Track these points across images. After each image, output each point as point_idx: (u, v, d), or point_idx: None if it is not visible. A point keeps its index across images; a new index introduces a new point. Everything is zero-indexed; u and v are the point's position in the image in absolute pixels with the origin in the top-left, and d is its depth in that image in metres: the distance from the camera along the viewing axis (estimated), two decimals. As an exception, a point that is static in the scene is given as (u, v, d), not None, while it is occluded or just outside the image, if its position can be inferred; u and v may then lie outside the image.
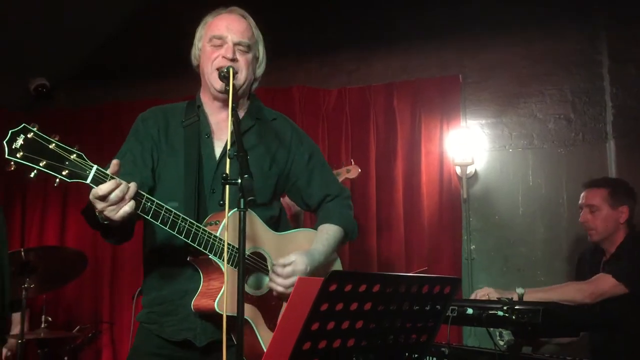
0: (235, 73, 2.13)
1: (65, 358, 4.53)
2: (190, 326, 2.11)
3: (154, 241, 2.22)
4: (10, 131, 1.66)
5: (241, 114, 2.31)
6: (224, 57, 2.19)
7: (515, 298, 2.51)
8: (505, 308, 2.29)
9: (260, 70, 2.36)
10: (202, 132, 2.27)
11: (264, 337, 2.11)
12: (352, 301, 1.50)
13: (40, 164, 1.69)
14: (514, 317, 2.27)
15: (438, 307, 1.73)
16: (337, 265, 2.47)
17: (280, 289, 2.14)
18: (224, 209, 2.04)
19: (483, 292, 2.86)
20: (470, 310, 2.40)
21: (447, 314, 2.36)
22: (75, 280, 4.64)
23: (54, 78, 5.74)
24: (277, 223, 2.35)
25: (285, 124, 2.43)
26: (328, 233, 2.36)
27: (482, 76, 4.93)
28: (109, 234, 2.08)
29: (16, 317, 4.17)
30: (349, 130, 5.06)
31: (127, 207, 1.83)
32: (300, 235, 2.35)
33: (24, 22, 4.71)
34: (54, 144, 1.72)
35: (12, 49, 4.93)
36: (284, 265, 2.14)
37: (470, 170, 4.82)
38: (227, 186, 1.82)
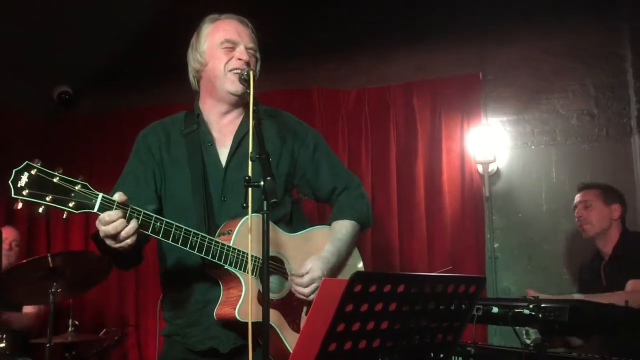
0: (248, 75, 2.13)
1: (92, 361, 4.59)
2: (214, 335, 2.14)
3: (171, 256, 2.24)
4: (14, 170, 1.70)
5: (241, 117, 2.31)
6: (239, 59, 2.21)
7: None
8: (531, 306, 2.27)
9: (255, 77, 2.36)
10: (203, 141, 2.26)
11: (289, 340, 2.13)
12: (377, 302, 1.50)
13: (47, 199, 1.72)
14: (540, 315, 2.24)
15: (463, 306, 1.73)
16: (355, 256, 2.47)
17: (303, 298, 2.17)
18: (236, 218, 2.09)
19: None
20: (495, 309, 2.39)
21: (473, 313, 2.34)
22: (101, 284, 4.69)
23: (77, 85, 5.82)
24: (290, 220, 2.35)
25: (285, 119, 2.43)
26: (340, 231, 2.36)
27: (502, 73, 4.88)
28: (117, 261, 2.12)
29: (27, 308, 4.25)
30: (369, 131, 5.04)
31: (126, 243, 1.85)
32: (314, 234, 2.36)
33: (47, 29, 4.78)
34: (57, 178, 1.75)
35: (36, 57, 5.01)
36: (302, 275, 2.16)
37: (492, 168, 4.78)
38: (250, 189, 1.83)
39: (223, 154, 2.25)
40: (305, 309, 2.23)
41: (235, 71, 2.20)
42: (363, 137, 5.04)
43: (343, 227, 2.37)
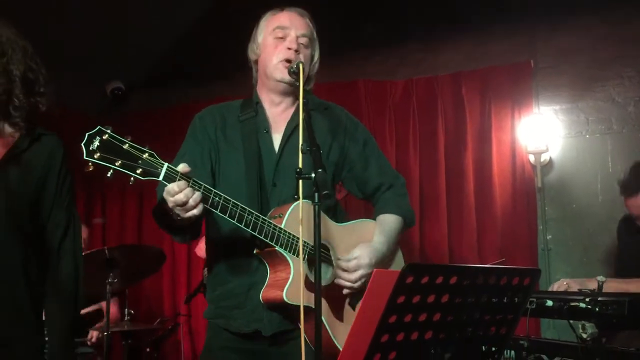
0: (298, 67, 2.15)
1: (148, 349, 4.71)
2: (258, 317, 2.16)
3: (218, 237, 2.27)
4: (86, 134, 1.75)
5: (293, 108, 2.34)
6: (288, 48, 2.23)
7: (593, 286, 2.42)
8: (587, 300, 2.22)
9: (314, 70, 2.38)
10: (259, 127, 2.30)
11: (332, 326, 2.14)
12: (429, 293, 1.49)
13: (116, 164, 1.77)
14: (597, 309, 2.18)
15: (517, 299, 1.70)
16: (399, 256, 2.47)
17: (347, 284, 2.17)
18: (286, 203, 2.12)
19: (559, 284, 2.77)
20: (550, 302, 2.34)
21: (526, 306, 2.30)
22: (155, 275, 4.83)
23: (129, 81, 5.97)
24: (335, 212, 2.36)
25: (338, 113, 2.44)
26: (388, 224, 2.36)
27: (555, 61, 4.75)
28: (177, 232, 2.17)
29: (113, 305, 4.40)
30: (416, 122, 5.00)
31: (195, 211, 1.90)
32: (360, 227, 2.37)
33: (100, 27, 4.91)
34: (127, 144, 1.80)
35: (89, 54, 5.15)
36: (349, 260, 2.16)
37: (544, 158, 4.68)
38: (301, 181, 1.85)
39: (277, 141, 2.29)
40: (348, 299, 2.23)
41: (283, 60, 2.22)
42: (410, 129, 5.00)
43: (391, 221, 2.38)
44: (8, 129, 2.04)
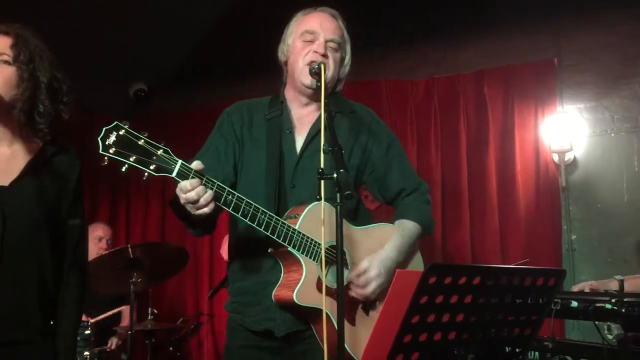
0: (319, 68, 2.15)
1: (171, 348, 4.76)
2: (271, 316, 2.17)
3: (238, 234, 2.30)
4: (104, 128, 1.78)
5: (319, 111, 2.30)
6: (315, 52, 2.22)
7: (614, 285, 2.38)
8: (613, 301, 2.19)
9: (344, 71, 2.38)
10: (283, 127, 2.31)
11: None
12: (452, 294, 1.49)
13: (130, 159, 1.79)
14: (623, 310, 2.16)
15: (541, 300, 1.68)
16: (418, 260, 2.44)
17: (361, 298, 2.18)
18: (304, 203, 2.12)
19: (582, 287, 2.74)
20: (575, 303, 2.31)
21: (551, 307, 2.27)
22: (178, 275, 4.87)
23: (151, 82, 6.03)
24: (355, 215, 2.36)
25: (364, 115, 2.43)
26: (403, 230, 2.34)
27: (580, 58, 4.68)
28: (193, 225, 2.20)
29: (126, 309, 4.44)
30: (438, 121, 4.97)
31: (206, 209, 1.91)
32: (378, 231, 2.34)
33: (123, 29, 4.97)
34: (142, 140, 1.82)
35: (113, 56, 5.22)
36: (358, 275, 2.15)
37: (568, 157, 4.61)
38: (322, 181, 1.85)
39: (299, 142, 2.30)
40: (361, 304, 2.22)
41: (310, 64, 2.21)
42: (432, 128, 4.97)
43: (406, 227, 2.35)
44: (31, 135, 2.10)
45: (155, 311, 4.54)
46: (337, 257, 1.73)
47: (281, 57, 2.38)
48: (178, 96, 6.11)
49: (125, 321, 4.51)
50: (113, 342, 4.43)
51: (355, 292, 2.16)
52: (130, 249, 4.03)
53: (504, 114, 4.79)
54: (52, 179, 2.10)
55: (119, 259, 3.99)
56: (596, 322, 2.27)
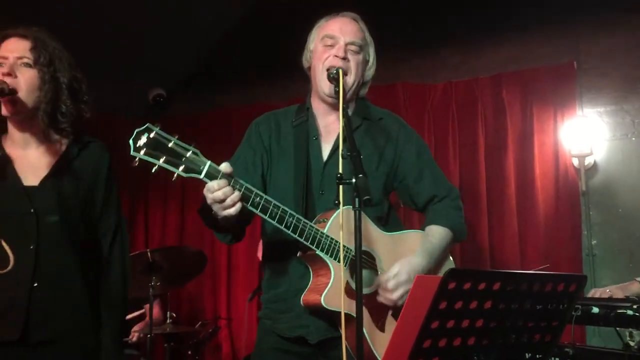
0: (345, 74, 2.16)
1: (189, 352, 4.78)
2: (304, 323, 2.16)
3: (268, 240, 2.31)
4: (135, 130, 1.81)
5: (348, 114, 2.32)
6: (335, 56, 2.22)
7: (635, 287, 2.35)
8: (635, 307, 2.16)
9: (369, 74, 2.37)
10: (310, 134, 2.32)
11: (371, 335, 2.11)
12: (472, 299, 1.48)
13: (160, 160, 1.81)
14: (645, 316, 2.13)
15: (562, 306, 1.67)
16: (449, 265, 2.40)
17: (389, 303, 2.15)
18: (333, 208, 2.11)
19: (602, 292, 2.71)
20: (596, 309, 2.29)
21: (572, 313, 2.25)
22: (196, 279, 4.90)
23: (169, 87, 6.08)
24: (386, 222, 2.34)
25: (392, 122, 2.42)
26: (434, 236, 2.31)
27: (599, 61, 4.64)
28: (222, 231, 2.22)
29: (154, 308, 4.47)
30: (456, 125, 4.95)
31: (232, 210, 1.92)
32: (408, 237, 2.32)
33: (141, 34, 5.02)
34: (172, 142, 1.84)
35: (132, 61, 5.27)
36: (388, 280, 2.13)
37: (588, 161, 4.57)
38: (341, 186, 1.85)
39: (326, 150, 2.30)
40: (391, 310, 2.20)
41: (329, 70, 2.21)
42: (450, 132, 4.95)
43: (437, 233, 2.32)
44: (55, 135, 2.15)
45: (174, 315, 4.57)
46: (357, 261, 1.72)
47: (305, 63, 2.39)
48: (197, 100, 6.15)
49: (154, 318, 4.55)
50: (134, 335, 4.46)
51: (383, 297, 2.14)
52: (149, 253, 4.07)
53: (523, 118, 4.76)
54: (82, 174, 2.14)
55: (138, 263, 4.03)
56: (617, 329, 2.24)
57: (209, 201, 1.93)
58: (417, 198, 2.39)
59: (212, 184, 1.89)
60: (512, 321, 1.59)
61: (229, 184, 1.91)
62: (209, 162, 1.89)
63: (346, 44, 2.24)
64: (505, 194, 4.70)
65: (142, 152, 1.79)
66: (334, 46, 2.24)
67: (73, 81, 2.13)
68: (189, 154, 1.86)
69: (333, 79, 2.15)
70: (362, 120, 2.34)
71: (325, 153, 2.29)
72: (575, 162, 4.58)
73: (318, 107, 2.36)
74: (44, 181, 2.08)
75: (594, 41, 4.68)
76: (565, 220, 4.54)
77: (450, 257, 2.43)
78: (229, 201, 1.91)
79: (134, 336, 4.47)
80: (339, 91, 2.06)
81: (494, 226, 4.71)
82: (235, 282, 5.56)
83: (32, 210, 2.02)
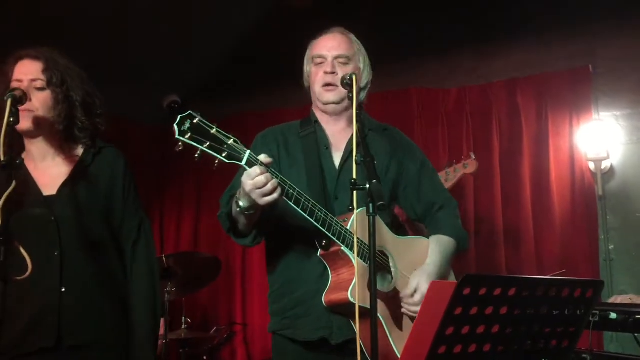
0: (336, 86, 2.26)
1: (204, 357, 4.79)
2: (326, 325, 2.19)
3: (283, 248, 2.32)
4: (179, 116, 1.87)
5: (352, 127, 2.34)
6: (325, 72, 2.33)
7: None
8: (654, 313, 2.14)
9: (363, 80, 2.41)
10: (320, 144, 2.38)
11: (392, 334, 2.17)
12: (487, 305, 1.47)
13: (204, 145, 1.87)
14: (664, 322, 2.11)
15: (579, 311, 1.65)
16: (451, 277, 2.47)
17: (414, 315, 2.20)
18: (349, 212, 2.10)
19: (623, 298, 2.68)
20: (614, 315, 2.27)
21: (589, 319, 2.23)
22: (211, 285, 4.91)
23: (186, 93, 6.11)
24: (391, 227, 2.39)
25: (396, 134, 2.54)
26: (442, 245, 2.38)
27: (615, 65, 4.59)
28: (242, 235, 2.24)
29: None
30: (470, 130, 4.93)
31: (272, 197, 1.98)
32: (418, 242, 2.40)
33: (158, 41, 5.07)
34: (214, 129, 1.90)
35: (149, 68, 5.32)
36: (412, 294, 2.20)
37: (605, 165, 4.52)
38: (355, 191, 1.87)
39: (337, 157, 2.37)
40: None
41: (324, 86, 2.33)
42: (464, 137, 4.93)
43: (444, 242, 2.40)
44: (74, 146, 2.22)
45: (189, 320, 4.58)
46: (370, 266, 1.73)
47: (305, 83, 2.49)
48: (212, 107, 6.14)
49: (160, 329, 4.57)
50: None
51: (408, 310, 2.21)
52: (164, 259, 4.09)
53: (538, 123, 4.73)
54: (98, 180, 2.20)
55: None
56: (636, 334, 2.22)
57: (248, 188, 1.96)
58: (417, 205, 2.46)
59: (254, 169, 1.95)
60: (528, 327, 1.58)
61: (268, 171, 1.96)
62: (248, 151, 1.96)
63: (334, 59, 2.34)
64: (521, 198, 4.67)
65: (186, 136, 1.85)
66: (324, 64, 2.35)
67: (86, 97, 2.21)
68: (230, 141, 1.92)
69: (347, 84, 2.17)
70: (368, 130, 2.40)
71: (337, 161, 2.36)
72: (592, 166, 4.54)
73: (322, 119, 2.43)
74: (61, 189, 2.13)
75: (610, 45, 4.63)
76: (581, 225, 4.50)
77: (451, 269, 2.49)
78: (269, 186, 1.96)
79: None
80: (352, 97, 2.08)
81: (510, 231, 4.67)
82: (250, 288, 5.56)
83: (52, 219, 2.08)
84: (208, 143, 1.87)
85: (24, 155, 2.18)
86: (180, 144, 1.84)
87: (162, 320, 4.41)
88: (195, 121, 1.86)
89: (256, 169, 1.94)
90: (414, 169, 2.45)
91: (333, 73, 2.31)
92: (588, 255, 4.45)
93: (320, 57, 2.36)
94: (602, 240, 4.50)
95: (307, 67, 2.45)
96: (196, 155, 1.87)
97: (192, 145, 1.85)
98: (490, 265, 4.63)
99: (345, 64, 2.35)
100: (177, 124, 1.85)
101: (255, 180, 1.94)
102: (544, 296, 1.55)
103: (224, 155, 1.91)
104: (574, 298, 1.61)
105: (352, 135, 2.31)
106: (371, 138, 2.38)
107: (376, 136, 2.42)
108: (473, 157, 3.98)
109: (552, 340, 1.65)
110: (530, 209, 4.63)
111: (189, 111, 1.86)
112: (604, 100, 4.64)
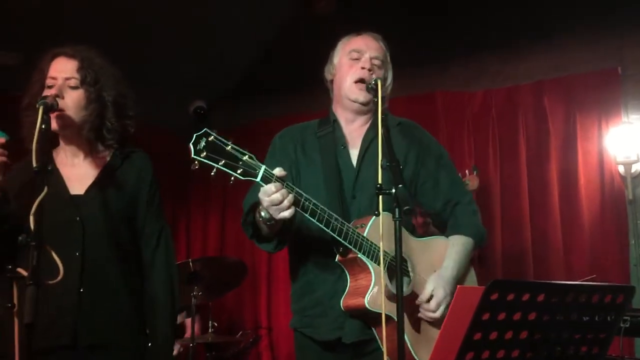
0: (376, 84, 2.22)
1: (230, 361, 4.82)
2: (339, 325, 2.22)
3: (303, 250, 2.35)
4: (194, 134, 1.89)
5: (368, 124, 2.42)
6: (362, 67, 2.32)
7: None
8: (687, 319, 2.09)
9: (386, 90, 2.41)
10: (337, 143, 2.39)
11: (410, 336, 2.17)
12: (515, 311, 1.46)
13: (219, 163, 1.89)
14: (698, 329, 2.06)
15: (610, 317, 1.63)
16: (471, 274, 2.47)
17: (431, 320, 2.22)
18: (366, 215, 2.19)
19: None
20: (645, 322, 2.22)
21: (620, 325, 2.19)
22: (237, 289, 4.94)
23: (210, 99, 6.17)
24: (413, 229, 2.41)
25: (410, 127, 2.50)
26: (459, 246, 2.38)
27: (645, 67, 4.53)
28: (265, 241, 2.27)
29: (188, 321, 4.53)
30: (496, 134, 4.88)
31: (288, 213, 1.99)
32: (435, 243, 2.39)
33: (183, 47, 5.13)
34: (230, 146, 1.92)
35: (175, 74, 5.39)
36: (428, 300, 2.20)
37: (635, 169, 4.44)
38: (380, 196, 1.87)
39: (354, 156, 2.38)
40: None
41: (357, 80, 2.32)
42: (490, 141, 4.88)
43: (462, 243, 2.39)
44: (101, 148, 2.24)
45: (216, 324, 4.62)
46: (397, 272, 1.73)
47: (327, 76, 2.49)
48: (237, 111, 6.23)
49: (188, 332, 4.61)
50: (175, 349, 4.53)
51: (425, 315, 2.21)
52: (191, 263, 4.13)
53: (566, 126, 4.67)
54: (125, 183, 2.23)
55: (180, 273, 4.07)
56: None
57: (265, 204, 1.99)
58: (434, 201, 2.45)
59: (269, 187, 1.96)
60: (558, 333, 1.56)
61: (284, 187, 1.98)
62: (264, 166, 1.97)
63: (371, 58, 2.35)
64: (549, 203, 4.61)
65: (202, 155, 1.87)
66: (360, 59, 2.36)
67: (118, 97, 2.22)
68: (245, 157, 1.94)
69: (372, 89, 2.20)
70: (387, 127, 2.37)
71: (354, 159, 2.36)
72: (621, 169, 4.46)
73: (341, 116, 2.44)
74: (88, 190, 2.17)
75: (639, 46, 4.56)
76: (611, 229, 4.42)
77: (472, 267, 2.48)
78: (286, 202, 1.97)
79: (175, 350, 4.53)
80: (377, 102, 2.09)
81: (537, 236, 4.61)
82: (275, 292, 5.58)
83: (77, 218, 2.12)
84: (223, 161, 1.89)
85: (57, 151, 2.24)
86: (196, 162, 1.87)
87: (188, 322, 4.47)
88: (210, 139, 1.88)
89: (271, 187, 1.96)
90: (431, 163, 2.43)
91: (370, 71, 2.32)
92: (618, 260, 4.37)
93: (358, 52, 2.37)
94: (632, 245, 4.41)
95: (336, 59, 2.45)
96: (212, 173, 1.90)
97: (207, 163, 1.88)
98: (518, 271, 4.57)
99: (379, 67, 2.38)
100: (193, 143, 1.88)
101: (272, 198, 1.96)
102: (573, 302, 1.53)
103: (239, 172, 1.92)
104: (605, 304, 1.58)
105: (366, 133, 2.38)
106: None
107: (392, 131, 2.36)
108: (475, 172, 3.94)
109: (582, 347, 1.63)
110: (558, 214, 4.56)
111: (205, 129, 1.89)
112: (633, 103, 4.56)
